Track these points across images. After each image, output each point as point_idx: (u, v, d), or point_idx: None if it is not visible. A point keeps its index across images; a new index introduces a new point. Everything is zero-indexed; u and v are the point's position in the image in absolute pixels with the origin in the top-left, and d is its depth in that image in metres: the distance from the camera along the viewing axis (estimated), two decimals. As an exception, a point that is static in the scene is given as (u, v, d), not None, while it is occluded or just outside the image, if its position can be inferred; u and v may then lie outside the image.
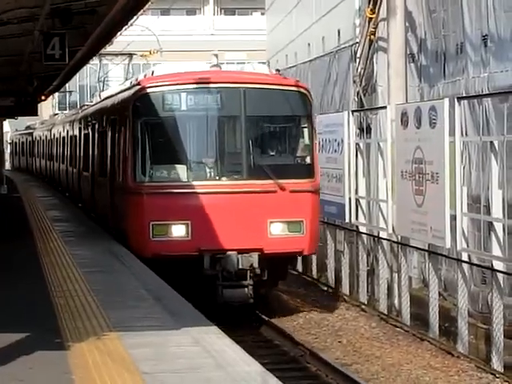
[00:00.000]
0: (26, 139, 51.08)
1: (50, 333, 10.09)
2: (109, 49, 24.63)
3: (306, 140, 16.93)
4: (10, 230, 21.13)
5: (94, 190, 23.66)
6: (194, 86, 16.56)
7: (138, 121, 16.43)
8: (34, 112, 33.26)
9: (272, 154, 17.02)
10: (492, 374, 13.68)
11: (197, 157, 16.69)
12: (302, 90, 16.90)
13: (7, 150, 60.23)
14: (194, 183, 15.95)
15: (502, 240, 13.47)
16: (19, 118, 40.32)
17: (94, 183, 23.93)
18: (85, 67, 29.71)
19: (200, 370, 8.59)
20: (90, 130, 25.53)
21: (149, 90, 16.24)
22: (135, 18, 17.91)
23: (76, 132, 30.42)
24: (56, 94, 42.03)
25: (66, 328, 10.43)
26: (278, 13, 34.46)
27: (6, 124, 40.25)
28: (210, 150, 16.62)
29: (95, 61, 29.40)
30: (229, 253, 15.50)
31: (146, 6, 16.56)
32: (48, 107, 42.74)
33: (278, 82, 17.17)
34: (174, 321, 10.83)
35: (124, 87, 20.24)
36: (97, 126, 24.05)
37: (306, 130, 16.97)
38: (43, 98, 32.71)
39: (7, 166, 55.43)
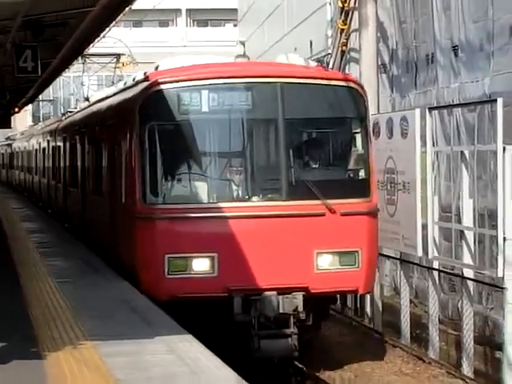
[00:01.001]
0: (6, 150, 51.05)
1: (26, 342, 10.23)
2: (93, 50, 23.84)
3: (360, 148, 13.21)
4: None
5: (85, 210, 20.41)
6: (219, 81, 12.85)
7: (148, 126, 12.71)
8: (7, 124, 33.58)
9: (317, 166, 13.32)
10: (462, 379, 13.97)
11: (223, 171, 12.88)
12: (353, 85, 13.28)
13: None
14: (220, 205, 12.43)
15: (472, 248, 13.46)
16: None
17: (84, 201, 20.62)
18: (58, 79, 29.63)
19: (175, 378, 8.74)
20: (77, 140, 22.15)
21: (161, 87, 12.57)
22: (107, 29, 17.83)
23: (59, 142, 26.91)
24: (29, 106, 41.87)
25: (43, 337, 10.53)
26: (251, 24, 34.47)
27: None
28: (239, 162, 12.79)
29: (68, 73, 29.20)
30: (266, 293, 12.12)
31: (118, 18, 16.23)
32: (23, 118, 42.60)
33: (322, 75, 13.57)
34: (150, 330, 10.85)
35: (124, 86, 16.90)
36: (87, 134, 20.51)
37: (359, 136, 13.28)
38: (16, 110, 32.80)
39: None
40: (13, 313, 11.94)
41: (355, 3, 18.07)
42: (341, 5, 19.45)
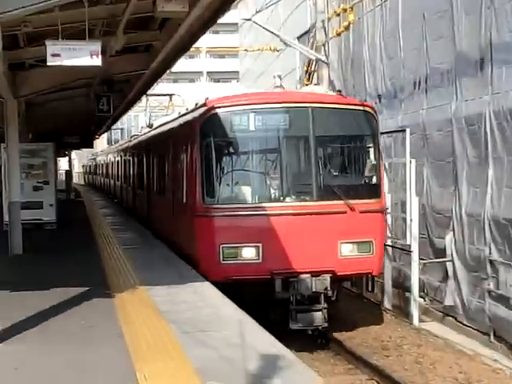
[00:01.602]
0: (92, 163, 51.87)
1: (102, 287, 10.42)
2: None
3: (373, 159, 12.22)
4: (71, 221, 20.94)
5: (149, 206, 19.32)
6: (262, 106, 11.80)
7: (206, 141, 11.66)
8: (91, 145, 34.93)
9: (340, 174, 12.47)
10: (384, 310, 14.40)
11: (266, 178, 11.82)
12: (368, 109, 12.39)
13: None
14: (264, 205, 11.49)
15: (391, 226, 14.43)
16: (82, 149, 41.92)
17: (148, 199, 19.45)
18: (124, 116, 30.35)
19: (197, 309, 8.91)
20: (143, 154, 21.06)
21: (217, 111, 11.58)
22: (155, 84, 18.28)
23: (129, 156, 25.53)
24: (105, 133, 42.72)
25: (113, 284, 10.64)
26: (247, 81, 34.36)
27: (73, 153, 41.46)
28: (278, 170, 11.73)
29: (130, 112, 29.70)
30: (303, 276, 11.21)
31: (162, 77, 16.78)
32: (101, 141, 43.31)
33: (344, 101, 12.67)
34: (182, 280, 10.86)
35: (185, 111, 15.50)
36: (151, 149, 19.43)
37: (372, 150, 12.30)
38: (97, 136, 33.72)
39: (82, 181, 56.69)
40: (93, 269, 12.20)
41: (315, 67, 17.94)
42: (306, 68, 19.26)
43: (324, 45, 17.78)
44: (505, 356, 11.49)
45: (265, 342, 7.46)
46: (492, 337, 12.09)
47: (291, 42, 17.51)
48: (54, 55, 8.37)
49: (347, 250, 11.60)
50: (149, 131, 22.92)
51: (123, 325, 8.05)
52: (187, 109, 15.65)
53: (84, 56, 8.37)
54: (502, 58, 11.94)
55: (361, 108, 12.40)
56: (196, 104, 14.04)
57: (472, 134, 12.90)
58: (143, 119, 36.78)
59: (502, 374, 10.67)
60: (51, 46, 8.43)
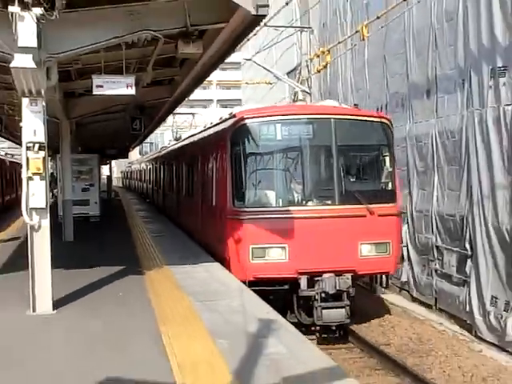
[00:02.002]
0: (128, 170, 51.80)
1: (135, 266, 10.41)
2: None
3: (389, 167, 10.69)
4: (111, 215, 20.71)
5: (178, 206, 17.43)
6: (288, 117, 10.37)
7: (236, 150, 10.25)
8: (126, 156, 34.93)
9: (359, 180, 10.86)
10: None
11: (292, 184, 10.34)
12: (384, 120, 10.78)
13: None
14: (290, 208, 10.04)
15: None
16: (120, 159, 42.17)
17: (177, 201, 17.53)
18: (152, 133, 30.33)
19: (209, 284, 8.90)
20: (173, 161, 19.12)
21: (246, 121, 10.24)
22: (176, 109, 18.22)
23: (160, 164, 23.78)
24: (138, 147, 42.82)
25: (144, 264, 10.57)
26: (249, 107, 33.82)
27: (113, 162, 41.87)
28: (303, 177, 10.24)
29: (157, 130, 29.63)
30: (327, 275, 9.77)
31: (181, 104, 16.74)
32: (135, 153, 43.30)
33: (362, 113, 11.18)
34: (197, 260, 10.75)
35: (213, 123, 13.89)
36: (180, 157, 17.46)
37: (388, 158, 10.77)
38: (131, 149, 33.56)
39: (120, 184, 58.85)
40: (128, 252, 12.12)
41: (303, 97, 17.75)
42: (293, 98, 19.06)
43: (307, 79, 17.82)
44: (447, 320, 11.53)
45: (261, 309, 7.41)
46: (437, 306, 12.06)
47: (282, 76, 17.46)
48: (98, 86, 8.36)
49: (366, 250, 10.13)
50: (176, 143, 22.05)
51: (152, 296, 8.03)
52: (211, 123, 14.68)
53: (121, 87, 8.33)
54: (444, 89, 12.02)
55: (378, 119, 10.81)
56: (220, 118, 12.96)
57: (420, 149, 12.94)
58: (168, 135, 36.80)
59: (446, 334, 10.78)
60: (96, 79, 8.43)
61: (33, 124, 7.14)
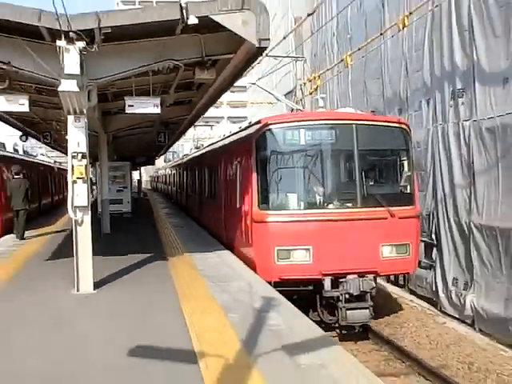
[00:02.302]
0: (155, 174, 51.65)
1: (160, 253, 10.36)
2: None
3: (408, 170, 9.24)
4: (141, 211, 20.59)
5: (201, 206, 15.74)
6: (311, 122, 9.03)
7: (261, 154, 8.92)
8: (153, 163, 34.65)
9: (380, 183, 9.41)
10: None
11: (315, 187, 9.01)
12: (403, 126, 9.35)
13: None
14: (314, 211, 8.66)
15: None
16: (147, 166, 41.94)
17: (199, 202, 16.01)
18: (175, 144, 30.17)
19: (221, 269, 8.83)
20: (195, 167, 17.60)
21: (271, 127, 8.94)
22: (194, 124, 18.19)
23: (182, 169, 22.40)
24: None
25: (168, 252, 10.53)
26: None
27: (142, 168, 41.72)
28: (326, 180, 8.90)
29: (179, 141, 29.41)
30: (351, 276, 8.48)
31: (198, 121, 16.72)
32: (160, 161, 43.28)
33: (382, 119, 9.98)
34: (211, 249, 10.68)
35: (238, 129, 12.40)
36: (203, 163, 15.76)
37: (408, 162, 9.32)
38: (157, 157, 33.42)
39: (149, 187, 57.68)
40: (154, 241, 12.10)
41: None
42: None
43: (301, 100, 17.80)
44: (418, 299, 11.33)
45: (264, 289, 7.39)
46: (408, 286, 11.83)
47: (281, 97, 17.40)
48: (129, 106, 8.29)
49: (387, 251, 8.70)
50: (197, 151, 21.25)
51: (174, 277, 8.01)
52: (230, 131, 13.58)
53: (149, 107, 8.24)
54: (413, 107, 11.80)
55: (397, 125, 9.29)
56: (240, 127, 11.75)
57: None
58: (187, 145, 36.56)
59: (416, 309, 10.68)
60: (128, 100, 8.37)
61: (77, 137, 7.15)
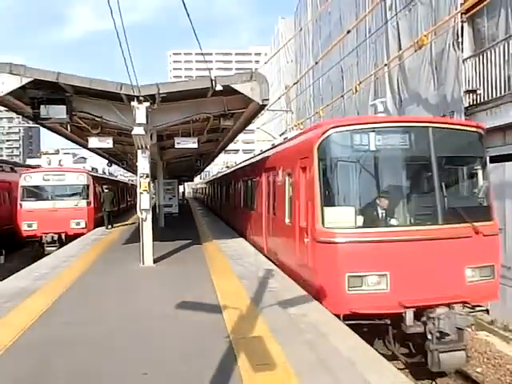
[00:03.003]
0: (195, 188, 49.95)
1: (197, 240, 10.19)
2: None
3: (485, 181, 5.33)
4: (184, 212, 19.93)
5: (235, 216, 11.79)
6: (382, 124, 5.03)
7: (325, 162, 5.00)
8: (192, 180, 34.08)
9: (459, 196, 5.37)
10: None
11: (390, 200, 4.92)
12: (480, 130, 5.38)
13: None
14: (389, 229, 4.85)
15: None
16: (189, 182, 40.10)
17: (239, 213, 10.91)
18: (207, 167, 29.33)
19: (237, 250, 8.55)
20: (229, 181, 13.57)
21: (335, 130, 4.98)
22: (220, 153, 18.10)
23: (217, 183, 18.24)
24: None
25: (202, 239, 10.34)
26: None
27: (186, 184, 40.40)
28: (403, 192, 5.02)
29: (210, 166, 28.23)
30: (441, 310, 4.67)
31: (222, 152, 16.37)
32: (197, 178, 41.94)
33: (457, 122, 6.19)
34: (230, 237, 10.53)
35: (290, 137, 7.43)
36: (237, 177, 11.57)
37: (485, 171, 5.40)
38: (195, 176, 32.88)
39: (191, 196, 53.35)
40: (193, 232, 11.87)
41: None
42: None
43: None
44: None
45: (267, 264, 7.12)
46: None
47: (277, 137, 17.60)
48: (177, 143, 8.49)
49: (471, 275, 5.06)
50: (233, 167, 16.75)
51: (206, 256, 7.97)
52: (261, 150, 10.33)
53: (190, 144, 8.47)
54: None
55: (475, 129, 5.51)
56: (303, 129, 7.78)
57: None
58: (216, 168, 34.32)
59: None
60: (176, 139, 8.59)
61: (143, 163, 7.32)
